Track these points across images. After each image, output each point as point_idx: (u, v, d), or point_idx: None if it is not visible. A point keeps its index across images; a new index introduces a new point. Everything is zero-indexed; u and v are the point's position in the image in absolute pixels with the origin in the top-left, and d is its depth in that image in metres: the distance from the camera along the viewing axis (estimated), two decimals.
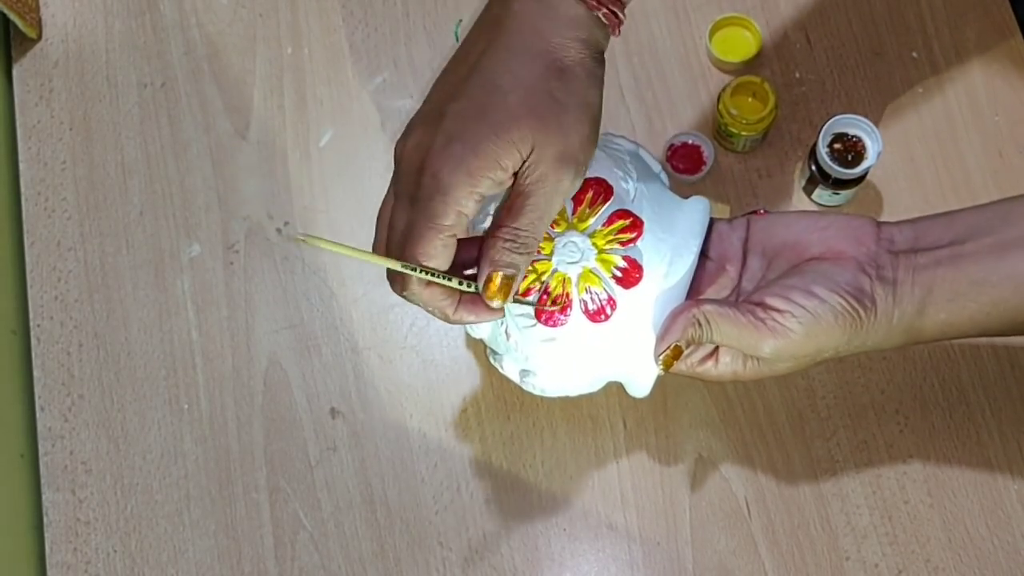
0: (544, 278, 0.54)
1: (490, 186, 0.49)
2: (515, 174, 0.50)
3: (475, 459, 0.70)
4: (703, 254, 0.57)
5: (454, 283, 0.52)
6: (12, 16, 0.78)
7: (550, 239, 0.55)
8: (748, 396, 0.70)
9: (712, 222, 0.57)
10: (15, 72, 0.81)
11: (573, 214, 0.55)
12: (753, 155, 0.74)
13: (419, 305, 0.53)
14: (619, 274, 0.54)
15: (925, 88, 0.75)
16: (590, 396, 0.69)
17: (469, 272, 0.53)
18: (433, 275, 0.51)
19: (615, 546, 0.68)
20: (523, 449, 0.70)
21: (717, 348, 0.54)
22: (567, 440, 0.70)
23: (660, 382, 0.69)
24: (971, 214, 0.52)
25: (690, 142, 0.74)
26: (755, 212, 0.57)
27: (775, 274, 0.54)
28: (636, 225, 0.55)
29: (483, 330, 0.58)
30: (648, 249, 0.54)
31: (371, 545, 0.69)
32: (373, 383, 0.72)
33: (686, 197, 0.58)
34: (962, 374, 0.69)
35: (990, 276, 0.50)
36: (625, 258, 0.54)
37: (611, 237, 0.54)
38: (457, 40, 0.79)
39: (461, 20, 0.80)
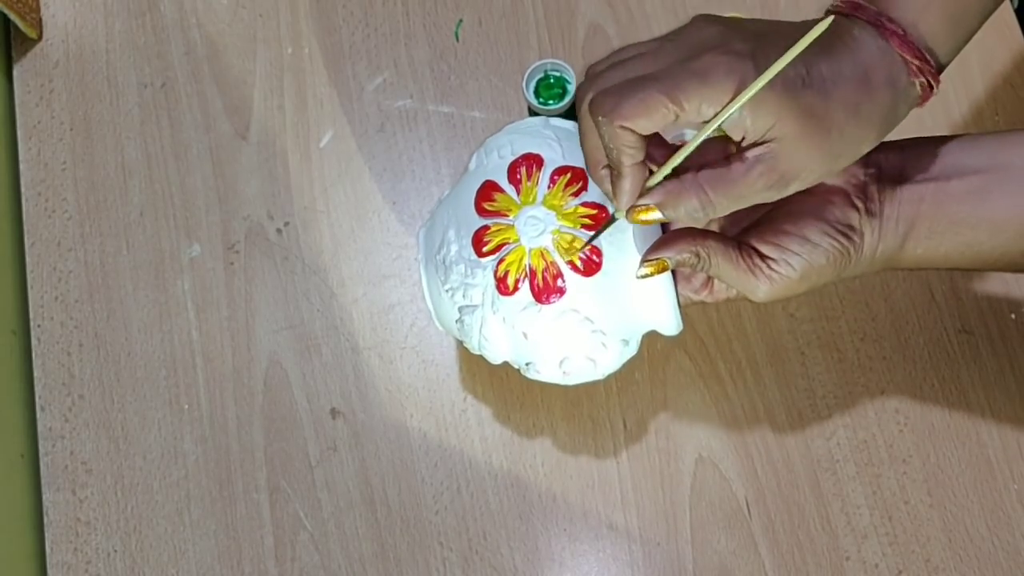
0: (524, 262, 0.55)
1: (734, 121, 0.45)
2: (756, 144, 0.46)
3: (475, 459, 0.70)
4: None
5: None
6: (12, 16, 0.78)
7: (511, 227, 0.55)
8: (748, 396, 0.70)
9: None
10: (15, 72, 0.81)
11: (517, 194, 0.56)
12: None
13: (604, 138, 0.47)
14: (588, 221, 0.55)
15: None
16: (590, 396, 0.70)
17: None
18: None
19: (615, 546, 0.68)
20: (523, 449, 0.70)
21: (711, 277, 0.55)
22: (567, 440, 0.70)
23: (662, 380, 0.70)
24: (960, 148, 0.52)
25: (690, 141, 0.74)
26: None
27: None
28: (578, 174, 0.55)
29: (502, 353, 0.58)
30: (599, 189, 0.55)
31: (371, 545, 0.69)
32: (373, 383, 0.72)
33: None
34: (962, 374, 0.69)
35: (968, 218, 0.50)
36: (584, 204, 0.55)
37: (561, 194, 0.55)
38: (457, 40, 0.80)
39: (461, 20, 0.80)
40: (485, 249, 0.56)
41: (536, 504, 0.69)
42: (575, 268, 0.55)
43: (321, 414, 0.71)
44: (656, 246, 0.52)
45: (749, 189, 0.46)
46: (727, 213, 0.48)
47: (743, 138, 0.46)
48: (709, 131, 0.46)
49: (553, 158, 0.56)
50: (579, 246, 0.55)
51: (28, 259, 0.76)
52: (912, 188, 0.51)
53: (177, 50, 0.81)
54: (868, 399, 0.69)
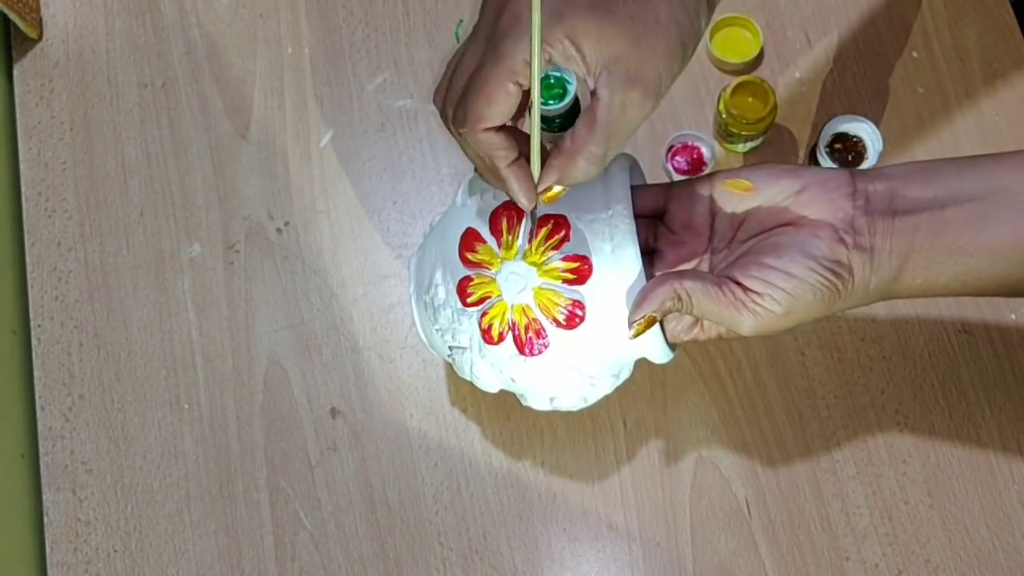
0: (507, 316, 0.54)
1: (561, 53, 0.46)
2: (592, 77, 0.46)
3: (475, 459, 0.70)
4: (669, 229, 0.57)
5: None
6: (12, 16, 0.78)
7: (492, 280, 0.54)
8: (748, 396, 0.70)
9: (644, 183, 0.57)
10: (15, 72, 0.81)
11: (499, 247, 0.55)
12: (753, 155, 0.74)
13: (473, 148, 0.49)
14: (570, 276, 0.54)
15: (925, 88, 0.75)
16: None
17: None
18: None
19: (615, 546, 0.68)
20: (523, 449, 0.70)
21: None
22: (567, 440, 0.70)
23: (662, 380, 0.70)
24: (952, 174, 0.51)
25: (690, 143, 0.74)
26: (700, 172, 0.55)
27: (746, 235, 0.54)
28: (560, 224, 0.54)
29: (494, 388, 0.59)
30: (583, 239, 0.53)
31: (371, 545, 0.69)
32: (373, 383, 0.72)
33: None
34: (962, 374, 0.69)
35: (967, 247, 0.49)
36: (566, 259, 0.54)
37: (543, 248, 0.54)
38: (457, 40, 0.80)
39: (461, 20, 0.80)
40: (469, 300, 0.55)
41: (536, 504, 0.69)
42: (558, 323, 0.54)
43: (321, 414, 0.71)
44: (637, 303, 0.51)
45: (612, 112, 0.47)
46: (619, 149, 0.48)
47: (595, 76, 0.47)
48: (535, 68, 0.46)
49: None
50: (561, 302, 0.54)
51: (28, 259, 0.76)
52: (905, 219, 0.50)
53: (177, 50, 0.81)
54: (868, 399, 0.69)
